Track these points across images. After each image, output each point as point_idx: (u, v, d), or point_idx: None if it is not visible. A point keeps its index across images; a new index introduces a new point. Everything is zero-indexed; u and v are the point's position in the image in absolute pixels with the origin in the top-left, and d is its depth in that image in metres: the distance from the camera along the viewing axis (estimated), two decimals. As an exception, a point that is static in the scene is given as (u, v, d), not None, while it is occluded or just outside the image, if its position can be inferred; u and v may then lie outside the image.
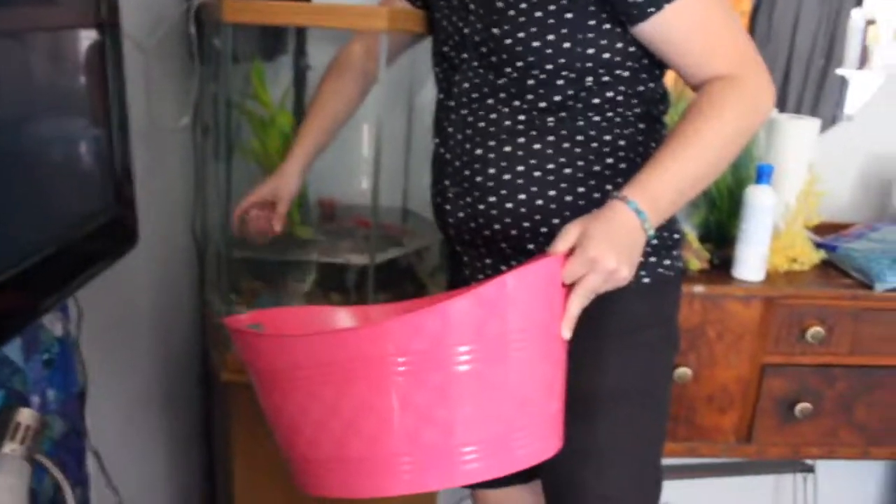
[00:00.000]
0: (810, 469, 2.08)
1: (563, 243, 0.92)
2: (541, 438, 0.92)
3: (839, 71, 1.98)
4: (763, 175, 1.57)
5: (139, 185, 1.15)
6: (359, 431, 0.86)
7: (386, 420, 0.85)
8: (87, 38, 1.01)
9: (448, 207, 1.18)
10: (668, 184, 0.99)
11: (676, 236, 1.18)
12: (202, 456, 1.83)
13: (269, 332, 1.03)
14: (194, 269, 1.64)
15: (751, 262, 1.60)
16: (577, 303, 0.92)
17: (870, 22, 1.98)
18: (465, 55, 1.13)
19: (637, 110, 1.11)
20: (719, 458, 1.82)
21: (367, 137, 1.49)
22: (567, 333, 0.92)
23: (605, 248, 0.91)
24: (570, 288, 0.92)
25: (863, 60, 1.99)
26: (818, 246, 1.75)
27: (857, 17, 1.96)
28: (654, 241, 1.13)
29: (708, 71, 1.03)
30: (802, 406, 1.66)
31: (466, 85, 1.13)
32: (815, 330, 1.61)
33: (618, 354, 1.13)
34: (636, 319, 1.13)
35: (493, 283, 0.86)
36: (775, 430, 1.70)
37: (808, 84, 1.99)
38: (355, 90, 1.35)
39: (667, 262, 1.16)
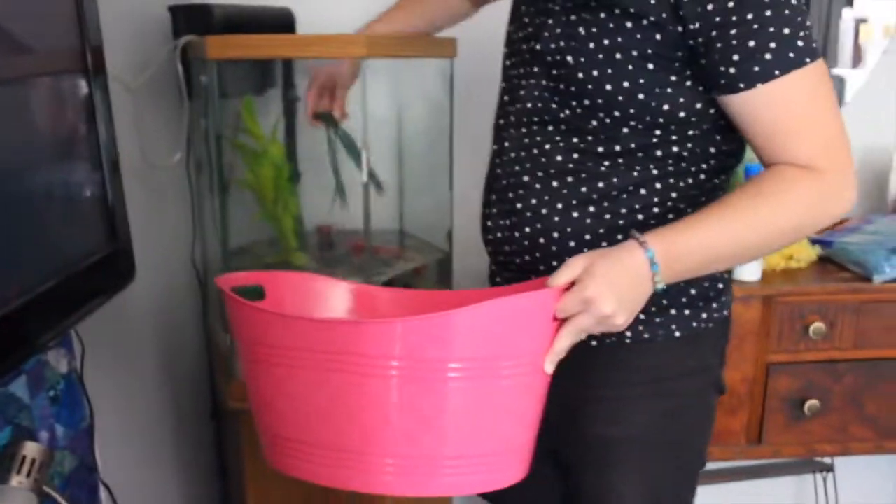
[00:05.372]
0: (829, 468, 2.06)
1: (563, 277, 0.86)
2: (509, 464, 0.91)
3: (834, 71, 1.98)
4: (751, 174, 1.58)
5: (138, 220, 1.18)
6: (355, 424, 0.87)
7: (386, 419, 0.85)
8: (74, 82, 1.04)
9: (490, 224, 1.12)
10: (695, 250, 0.91)
11: (720, 286, 1.07)
12: (216, 486, 1.84)
13: (265, 306, 1.01)
14: (197, 300, 1.67)
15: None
16: (566, 340, 0.87)
17: (861, 21, 1.99)
18: (535, 69, 1.04)
19: (703, 165, 1.01)
20: (734, 461, 1.82)
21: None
22: (549, 368, 0.87)
23: (604, 291, 0.85)
24: (562, 322, 0.87)
25: (856, 59, 1.99)
26: (814, 242, 1.75)
27: (847, 16, 1.97)
28: (693, 292, 1.04)
29: (787, 156, 0.92)
30: (811, 403, 1.66)
31: (529, 105, 1.04)
32: (817, 325, 1.61)
33: (642, 404, 1.06)
34: (662, 372, 1.05)
35: (489, 304, 0.83)
36: (786, 430, 1.69)
37: (804, 84, 2.00)
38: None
39: (704, 314, 1.05)
